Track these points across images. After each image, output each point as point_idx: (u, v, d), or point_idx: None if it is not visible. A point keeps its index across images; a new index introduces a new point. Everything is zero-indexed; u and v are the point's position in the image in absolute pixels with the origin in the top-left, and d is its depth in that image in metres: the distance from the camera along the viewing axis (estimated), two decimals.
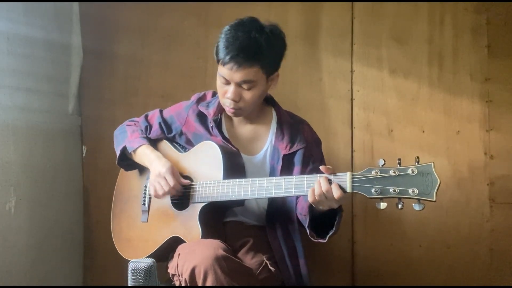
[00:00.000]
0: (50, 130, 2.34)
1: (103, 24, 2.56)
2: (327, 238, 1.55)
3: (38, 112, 2.27)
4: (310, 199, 1.47)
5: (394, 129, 2.36)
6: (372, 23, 2.38)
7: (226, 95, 1.67)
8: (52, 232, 2.33)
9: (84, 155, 2.57)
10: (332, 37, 2.41)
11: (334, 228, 1.54)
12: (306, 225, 1.59)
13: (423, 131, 2.33)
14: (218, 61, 1.65)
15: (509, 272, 2.26)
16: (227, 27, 1.65)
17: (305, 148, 1.74)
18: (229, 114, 1.74)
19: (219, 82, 1.68)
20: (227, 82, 1.65)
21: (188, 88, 2.30)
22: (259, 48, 1.59)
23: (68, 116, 2.50)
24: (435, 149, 2.30)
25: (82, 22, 2.55)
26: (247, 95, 1.66)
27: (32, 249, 2.19)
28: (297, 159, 1.73)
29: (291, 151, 1.73)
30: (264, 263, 1.61)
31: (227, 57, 1.59)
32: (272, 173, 1.74)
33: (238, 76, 1.61)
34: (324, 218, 1.55)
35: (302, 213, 1.65)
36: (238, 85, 1.64)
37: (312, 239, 1.58)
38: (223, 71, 1.63)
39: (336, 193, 1.42)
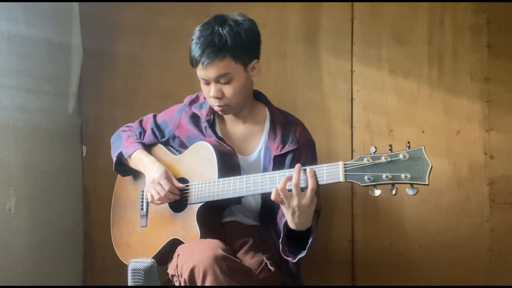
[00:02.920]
0: (50, 130, 2.34)
1: (103, 24, 2.56)
2: (296, 259, 1.54)
3: (38, 112, 2.27)
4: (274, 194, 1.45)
5: (394, 129, 2.35)
6: (372, 23, 2.38)
7: (209, 95, 1.68)
8: (52, 232, 2.33)
9: (84, 155, 2.57)
10: (332, 37, 2.41)
11: (305, 251, 1.53)
12: (279, 240, 1.57)
13: (423, 131, 2.33)
14: (191, 64, 1.67)
15: (509, 272, 2.25)
16: (195, 29, 1.68)
17: (296, 150, 1.72)
18: (219, 112, 1.74)
19: (201, 84, 1.70)
20: (207, 82, 1.67)
21: (188, 88, 2.30)
22: (222, 39, 1.60)
23: (68, 116, 2.50)
24: (435, 149, 2.29)
25: (82, 22, 2.56)
26: (228, 89, 1.66)
27: (32, 249, 2.19)
28: (288, 161, 1.71)
29: (282, 152, 1.71)
30: (264, 263, 1.61)
31: (197, 56, 1.61)
32: None
33: (211, 72, 1.62)
34: (297, 238, 1.54)
35: (279, 223, 1.65)
36: (216, 81, 1.65)
37: (282, 254, 1.56)
38: (198, 72, 1.65)
39: (311, 183, 1.41)
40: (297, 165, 1.44)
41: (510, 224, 2.26)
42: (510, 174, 2.26)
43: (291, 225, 1.49)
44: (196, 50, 1.62)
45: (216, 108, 1.71)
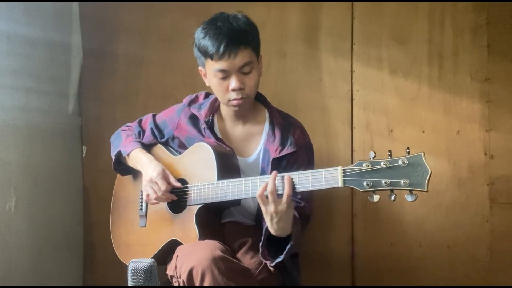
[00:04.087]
0: (50, 130, 2.34)
1: (103, 24, 2.56)
2: (274, 263, 1.55)
3: (38, 112, 2.27)
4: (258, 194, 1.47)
5: (394, 129, 2.35)
6: (372, 23, 2.37)
7: (230, 88, 1.66)
8: (52, 232, 2.33)
9: (84, 155, 2.57)
10: (332, 37, 2.40)
11: (282, 256, 1.54)
12: (260, 243, 1.57)
13: (423, 131, 2.33)
14: (209, 58, 1.64)
15: (509, 272, 2.25)
16: (200, 28, 1.67)
17: (294, 153, 1.72)
18: (235, 108, 1.71)
19: (215, 80, 1.67)
20: (226, 75, 1.64)
21: (188, 88, 2.30)
22: (244, 29, 1.63)
23: (68, 116, 2.50)
24: (435, 149, 2.29)
25: (82, 22, 2.55)
26: (250, 79, 1.67)
27: (32, 249, 2.19)
28: (284, 164, 1.71)
29: (280, 154, 1.71)
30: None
31: (222, 47, 1.59)
32: None
33: (238, 61, 1.62)
34: (277, 243, 1.55)
35: (263, 225, 1.65)
36: (239, 71, 1.64)
37: (261, 257, 1.57)
38: (220, 64, 1.62)
39: (287, 189, 1.44)
40: (273, 172, 1.47)
41: (510, 224, 2.25)
42: (510, 174, 2.26)
43: (271, 231, 1.51)
44: (219, 43, 1.60)
45: (235, 102, 1.68)
